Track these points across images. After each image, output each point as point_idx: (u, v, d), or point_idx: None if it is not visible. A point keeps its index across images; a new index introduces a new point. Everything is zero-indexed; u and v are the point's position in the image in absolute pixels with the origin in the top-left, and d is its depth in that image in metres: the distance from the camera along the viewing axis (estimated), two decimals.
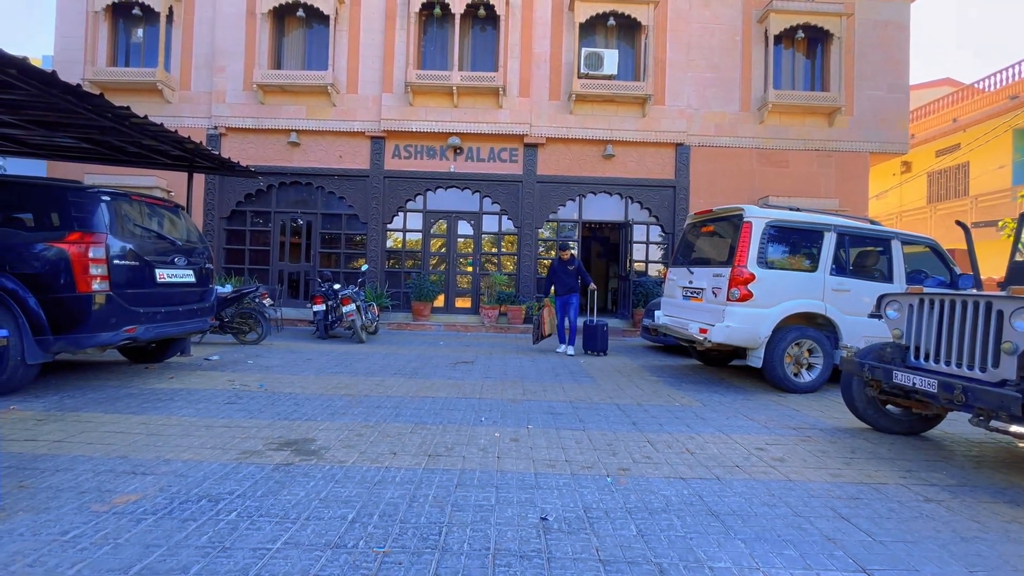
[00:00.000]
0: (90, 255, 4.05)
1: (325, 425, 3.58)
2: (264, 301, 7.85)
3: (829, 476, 2.91)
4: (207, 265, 5.44)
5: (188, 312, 5.07)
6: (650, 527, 2.21)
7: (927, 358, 3.41)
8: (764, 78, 11.20)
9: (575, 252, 9.80)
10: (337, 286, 8.68)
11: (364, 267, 9.63)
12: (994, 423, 2.96)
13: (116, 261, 4.25)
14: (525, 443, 3.32)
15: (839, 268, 5.42)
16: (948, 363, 3.24)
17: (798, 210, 5.67)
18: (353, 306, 7.92)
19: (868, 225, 5.76)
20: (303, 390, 4.64)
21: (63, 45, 11.11)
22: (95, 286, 4.07)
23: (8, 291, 3.92)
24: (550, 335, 7.71)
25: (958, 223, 4.76)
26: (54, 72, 3.50)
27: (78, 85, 3.74)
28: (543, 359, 7.00)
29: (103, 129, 4.80)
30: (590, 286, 7.51)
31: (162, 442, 3.09)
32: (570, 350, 7.47)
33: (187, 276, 5.07)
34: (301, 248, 11.53)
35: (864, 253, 5.72)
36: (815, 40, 11.51)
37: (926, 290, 3.55)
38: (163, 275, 4.75)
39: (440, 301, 11.39)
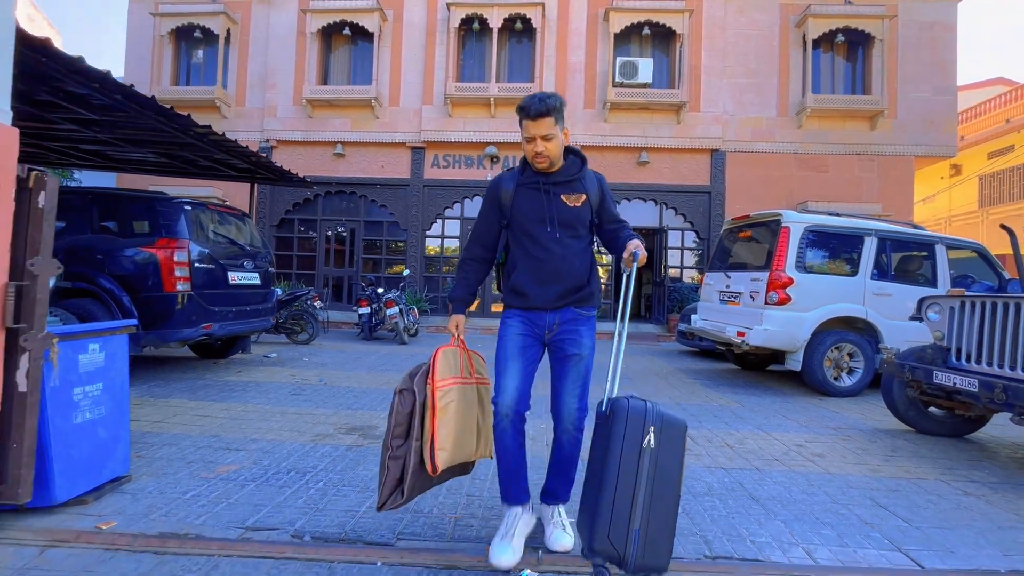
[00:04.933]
0: (176, 259, 4.51)
1: (384, 415, 3.88)
2: (315, 304, 8.33)
3: (868, 471, 3.01)
4: (270, 268, 5.89)
5: (254, 312, 5.51)
6: (694, 507, 2.40)
7: (968, 359, 3.45)
8: (802, 82, 11.13)
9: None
10: (380, 290, 9.10)
11: (405, 272, 10.04)
12: None
13: (196, 264, 4.70)
14: None
15: (880, 272, 5.43)
16: (989, 363, 3.29)
17: (838, 215, 5.70)
18: (397, 309, 8.31)
19: (910, 229, 5.73)
20: (359, 384, 4.99)
21: (132, 66, 12.05)
22: (179, 287, 4.52)
23: (106, 290, 4.40)
24: (452, 473, 1.97)
25: (1003, 227, 4.72)
26: (153, 97, 3.96)
27: (171, 108, 4.20)
28: None
29: (183, 145, 5.31)
30: (629, 272, 1.85)
31: (245, 424, 3.46)
32: (563, 538, 1.94)
33: (253, 278, 5.52)
34: (345, 254, 12.08)
35: (907, 257, 5.70)
36: (855, 43, 11.36)
37: (967, 293, 3.60)
38: (234, 277, 5.20)
39: (475, 306, 11.71)
